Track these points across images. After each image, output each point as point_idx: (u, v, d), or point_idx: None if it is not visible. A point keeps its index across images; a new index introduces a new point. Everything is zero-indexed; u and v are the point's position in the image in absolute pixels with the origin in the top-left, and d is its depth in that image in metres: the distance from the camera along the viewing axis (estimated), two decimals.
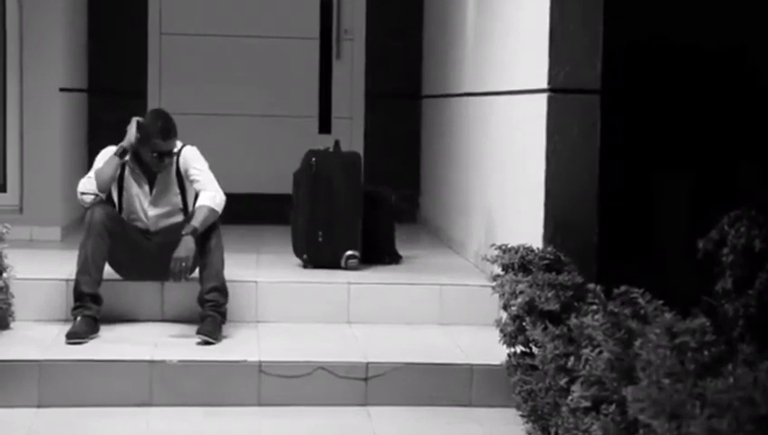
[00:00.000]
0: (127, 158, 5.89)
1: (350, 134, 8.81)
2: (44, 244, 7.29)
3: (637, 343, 3.82)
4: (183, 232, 5.67)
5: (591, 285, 4.35)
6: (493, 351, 5.23)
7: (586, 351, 4.12)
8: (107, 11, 8.58)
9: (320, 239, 6.62)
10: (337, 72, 8.92)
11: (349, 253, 6.57)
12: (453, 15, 7.60)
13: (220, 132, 8.71)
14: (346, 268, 6.54)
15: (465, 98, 7.16)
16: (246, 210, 7.97)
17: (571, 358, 4.31)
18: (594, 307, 4.23)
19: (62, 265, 6.16)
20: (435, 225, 8.17)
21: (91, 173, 5.91)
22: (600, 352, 4.02)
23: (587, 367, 4.12)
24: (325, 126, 8.90)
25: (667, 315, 3.84)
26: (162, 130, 5.86)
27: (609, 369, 3.93)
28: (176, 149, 5.93)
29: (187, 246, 5.64)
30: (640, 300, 4.14)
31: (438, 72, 8.17)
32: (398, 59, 8.86)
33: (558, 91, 5.34)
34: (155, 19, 8.75)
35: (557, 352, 4.46)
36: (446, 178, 7.77)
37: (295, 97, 8.86)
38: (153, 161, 5.90)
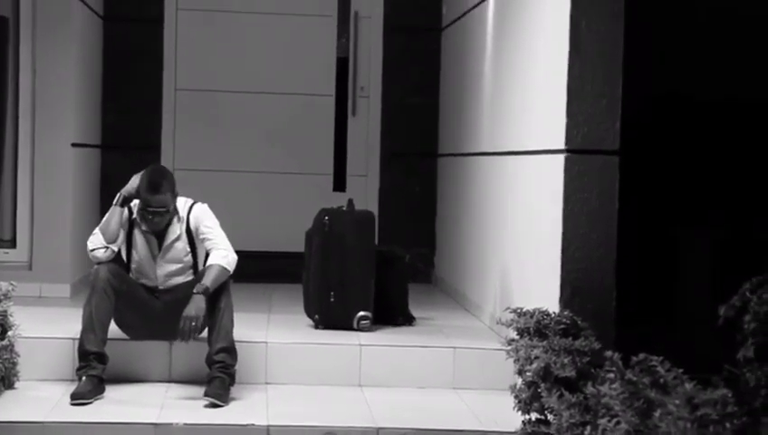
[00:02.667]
0: (133, 206, 5.84)
1: (365, 192, 8.72)
2: (53, 301, 7.20)
3: (656, 414, 3.69)
4: (194, 291, 5.57)
5: (609, 353, 4.23)
6: (507, 417, 5.09)
7: (603, 421, 4.00)
8: (121, 66, 8.54)
9: (332, 299, 6.51)
10: (352, 129, 8.85)
11: (361, 314, 6.46)
12: (470, 74, 7.53)
13: (233, 189, 8.64)
14: (358, 329, 6.43)
15: (481, 157, 7.07)
16: (258, 269, 7.87)
17: (588, 427, 4.19)
18: (611, 375, 4.11)
19: (69, 324, 6.05)
20: (450, 285, 8.06)
21: (96, 230, 5.83)
22: (618, 423, 3.90)
23: None
24: (340, 184, 8.82)
25: (688, 385, 3.71)
26: (150, 185, 5.75)
27: None
28: (170, 207, 5.81)
29: (197, 305, 5.54)
30: (660, 368, 4.02)
31: (455, 130, 8.09)
32: (414, 117, 8.78)
33: (576, 151, 5.25)
34: (170, 74, 8.70)
35: (573, 420, 4.35)
36: (462, 239, 7.67)
37: (310, 154, 8.79)
38: (145, 217, 5.81)
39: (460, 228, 7.77)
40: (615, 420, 3.93)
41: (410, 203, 8.77)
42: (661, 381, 3.98)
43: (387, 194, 8.79)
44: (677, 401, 3.57)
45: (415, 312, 6.84)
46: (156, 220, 5.80)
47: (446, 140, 8.49)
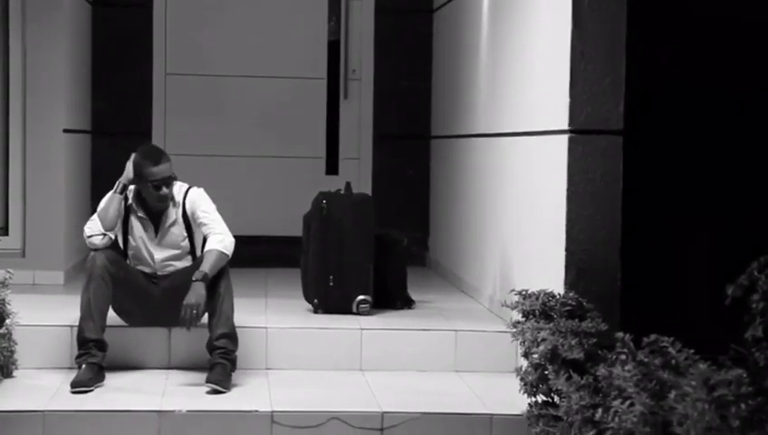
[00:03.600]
0: (129, 192, 5.80)
1: (358, 175, 8.67)
2: (47, 288, 7.14)
3: (671, 396, 3.66)
4: (193, 278, 5.53)
5: (620, 334, 4.20)
6: (512, 399, 5.08)
7: (616, 403, 3.96)
8: (111, 51, 8.47)
9: (331, 284, 6.47)
10: (344, 112, 8.80)
11: (360, 298, 6.42)
12: (465, 54, 7.48)
13: (225, 173, 8.58)
14: (358, 313, 6.40)
15: (478, 139, 7.03)
16: (252, 253, 7.82)
17: (599, 410, 4.16)
18: (623, 357, 4.07)
19: (66, 311, 6.01)
20: (445, 268, 8.02)
21: (94, 216, 5.78)
22: (632, 405, 3.86)
23: (616, 419, 3.97)
24: (332, 167, 8.77)
25: (702, 366, 3.68)
26: (151, 157, 5.75)
27: (642, 423, 3.77)
28: (173, 174, 5.80)
29: (197, 293, 5.50)
30: (671, 349, 3.99)
31: (449, 112, 8.05)
32: (406, 99, 8.74)
33: (579, 132, 5.21)
34: (160, 59, 8.63)
35: (583, 403, 4.31)
36: (458, 221, 7.63)
37: (302, 138, 8.73)
38: (154, 194, 5.76)
39: (456, 211, 7.73)
40: (628, 401, 3.90)
41: (403, 186, 8.73)
42: (672, 362, 3.95)
43: (380, 177, 8.75)
44: (694, 383, 3.54)
45: (412, 295, 6.81)
46: (166, 190, 5.76)
47: (440, 123, 8.45)
